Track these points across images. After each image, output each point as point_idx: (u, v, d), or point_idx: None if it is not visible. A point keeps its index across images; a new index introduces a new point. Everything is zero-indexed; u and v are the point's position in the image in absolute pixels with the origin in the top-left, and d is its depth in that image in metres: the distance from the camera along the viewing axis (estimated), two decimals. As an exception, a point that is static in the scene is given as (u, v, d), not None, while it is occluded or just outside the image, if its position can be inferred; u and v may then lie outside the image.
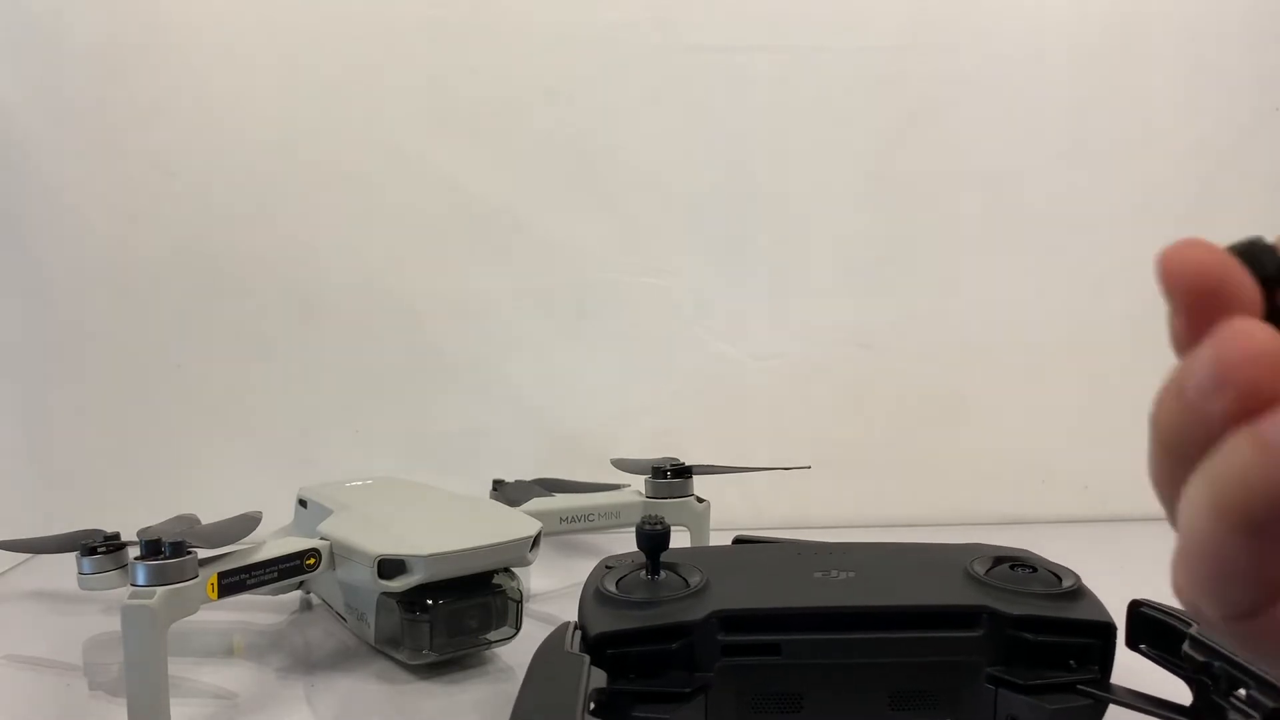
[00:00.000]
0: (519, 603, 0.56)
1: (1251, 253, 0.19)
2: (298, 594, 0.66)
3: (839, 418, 0.89)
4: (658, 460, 0.71)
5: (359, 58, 0.85)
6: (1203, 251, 0.19)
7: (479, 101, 0.86)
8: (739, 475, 0.72)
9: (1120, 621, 0.44)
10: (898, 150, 0.88)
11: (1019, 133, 0.87)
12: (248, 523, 0.54)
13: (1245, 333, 0.18)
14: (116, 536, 0.59)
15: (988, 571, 0.47)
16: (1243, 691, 0.37)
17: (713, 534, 0.69)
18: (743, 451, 0.76)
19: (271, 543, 0.55)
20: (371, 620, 0.56)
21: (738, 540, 0.60)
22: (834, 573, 0.48)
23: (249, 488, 0.70)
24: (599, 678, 0.39)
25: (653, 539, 0.47)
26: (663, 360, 0.88)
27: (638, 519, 0.47)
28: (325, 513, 0.60)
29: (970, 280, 0.89)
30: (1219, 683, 0.38)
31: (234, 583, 0.51)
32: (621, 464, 0.74)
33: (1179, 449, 0.19)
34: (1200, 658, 0.39)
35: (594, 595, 0.46)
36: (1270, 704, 0.35)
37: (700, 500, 0.70)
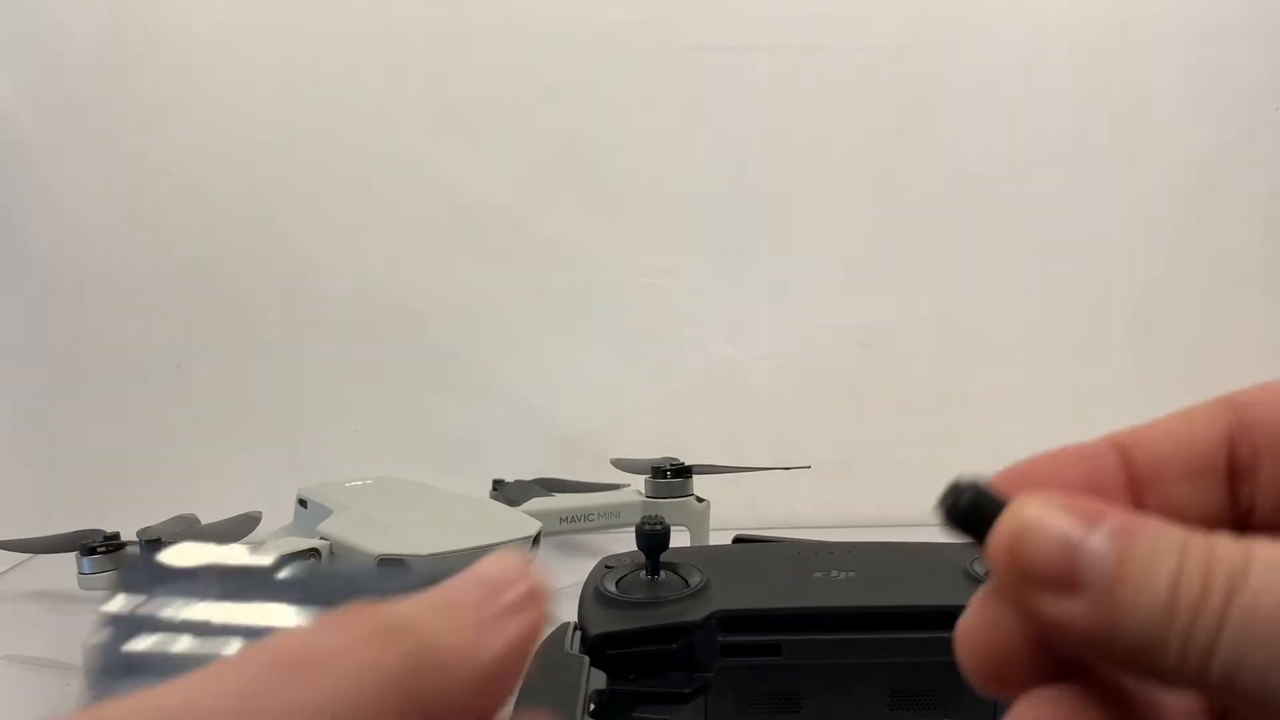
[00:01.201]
0: (519, 603, 0.56)
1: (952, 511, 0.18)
2: (298, 594, 0.66)
3: (839, 418, 0.89)
4: (658, 460, 0.71)
5: (359, 58, 0.85)
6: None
7: (479, 101, 0.86)
8: (739, 475, 0.72)
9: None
10: (897, 150, 0.88)
11: (1019, 132, 0.87)
12: (248, 522, 0.54)
13: None
14: (116, 536, 0.59)
15: (988, 571, 0.47)
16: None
17: (713, 534, 0.69)
18: (743, 451, 0.76)
19: (271, 543, 0.55)
20: (371, 620, 0.55)
21: (738, 540, 0.60)
22: (834, 573, 0.48)
23: (249, 488, 0.70)
24: (599, 678, 0.39)
25: (653, 539, 0.46)
26: (663, 360, 0.88)
27: (638, 519, 0.47)
28: (325, 513, 0.60)
29: (970, 280, 0.89)
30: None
31: (234, 583, 0.51)
32: (621, 464, 0.74)
33: None
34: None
35: (594, 595, 0.46)
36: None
37: (700, 500, 0.70)
